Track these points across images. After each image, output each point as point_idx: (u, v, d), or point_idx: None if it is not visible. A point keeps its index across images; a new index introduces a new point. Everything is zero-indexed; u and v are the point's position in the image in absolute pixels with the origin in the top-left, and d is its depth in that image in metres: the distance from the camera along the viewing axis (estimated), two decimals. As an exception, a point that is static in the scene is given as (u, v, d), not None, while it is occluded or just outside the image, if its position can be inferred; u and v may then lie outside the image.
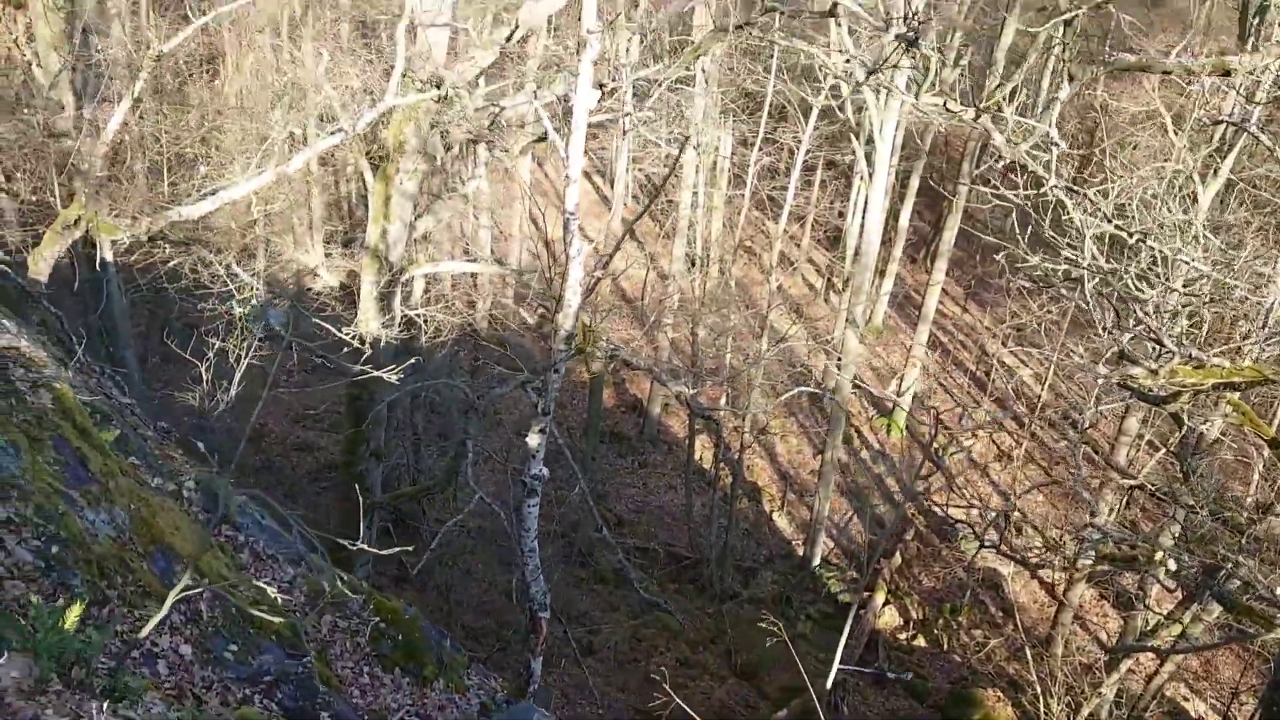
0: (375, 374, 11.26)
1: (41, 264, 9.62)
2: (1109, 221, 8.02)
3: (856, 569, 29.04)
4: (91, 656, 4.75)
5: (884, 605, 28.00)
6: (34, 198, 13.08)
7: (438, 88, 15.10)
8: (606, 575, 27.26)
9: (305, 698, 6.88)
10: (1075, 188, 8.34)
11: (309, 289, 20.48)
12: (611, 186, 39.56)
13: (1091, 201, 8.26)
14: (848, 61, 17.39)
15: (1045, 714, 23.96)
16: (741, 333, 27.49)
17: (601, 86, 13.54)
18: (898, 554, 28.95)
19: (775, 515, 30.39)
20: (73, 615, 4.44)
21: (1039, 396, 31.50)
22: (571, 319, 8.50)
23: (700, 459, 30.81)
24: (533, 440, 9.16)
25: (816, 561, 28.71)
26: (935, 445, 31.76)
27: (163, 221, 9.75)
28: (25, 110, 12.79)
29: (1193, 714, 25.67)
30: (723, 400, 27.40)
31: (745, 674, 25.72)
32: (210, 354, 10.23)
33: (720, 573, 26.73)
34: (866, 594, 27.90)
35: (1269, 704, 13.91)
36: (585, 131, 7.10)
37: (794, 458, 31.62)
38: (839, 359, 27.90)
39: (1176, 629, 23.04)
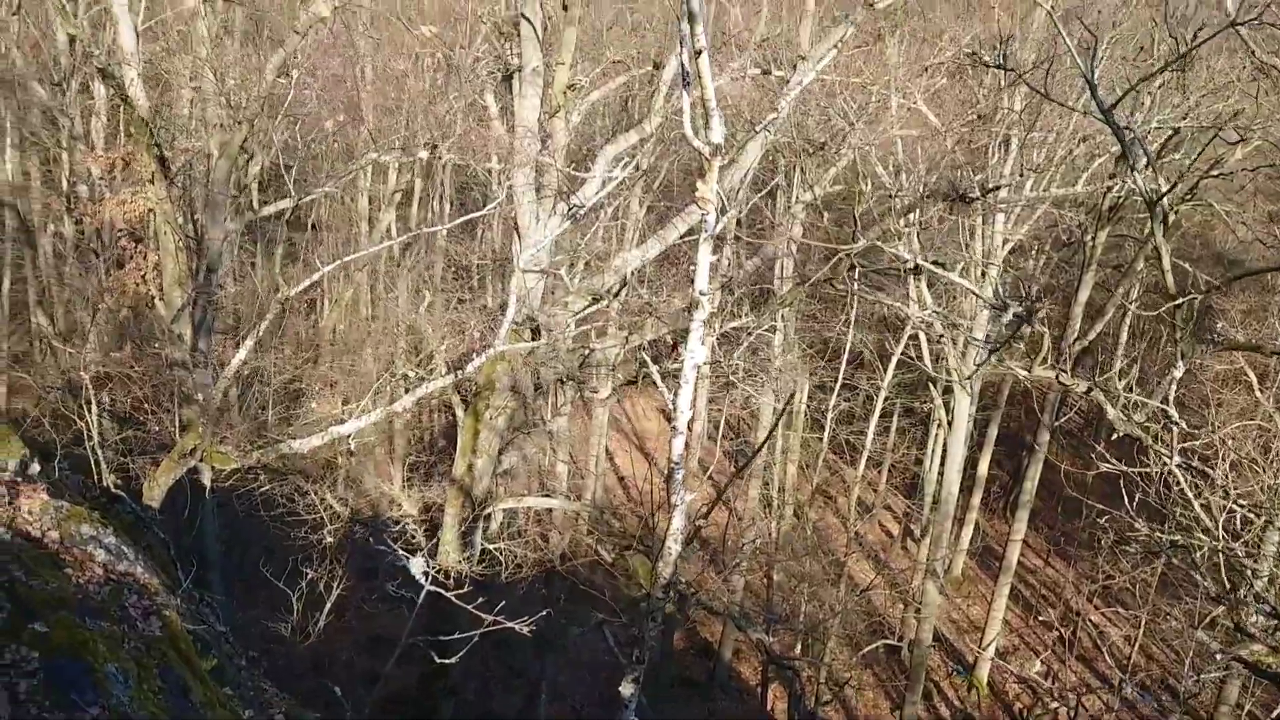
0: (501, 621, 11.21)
1: (156, 490, 9.96)
2: (1229, 499, 7.94)
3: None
4: None
5: None
6: (156, 427, 13.70)
7: (534, 332, 15.73)
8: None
9: None
10: (1194, 464, 8.33)
11: (388, 518, 20.72)
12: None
13: (1209, 478, 8.21)
14: (928, 315, 17.80)
15: None
16: (818, 579, 27.01)
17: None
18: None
19: (852, 772, 28.95)
20: None
21: (1129, 659, 30.18)
22: (671, 567, 8.52)
23: (773, 709, 29.70)
24: (626, 690, 9.00)
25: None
26: (1020, 707, 30.35)
27: (274, 454, 10.11)
28: (154, 344, 13.53)
29: None
30: (798, 648, 26.64)
31: None
32: (303, 583, 10.38)
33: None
34: None
35: None
36: (694, 385, 7.35)
37: (871, 712, 30.35)
38: (918, 610, 27.18)
39: None
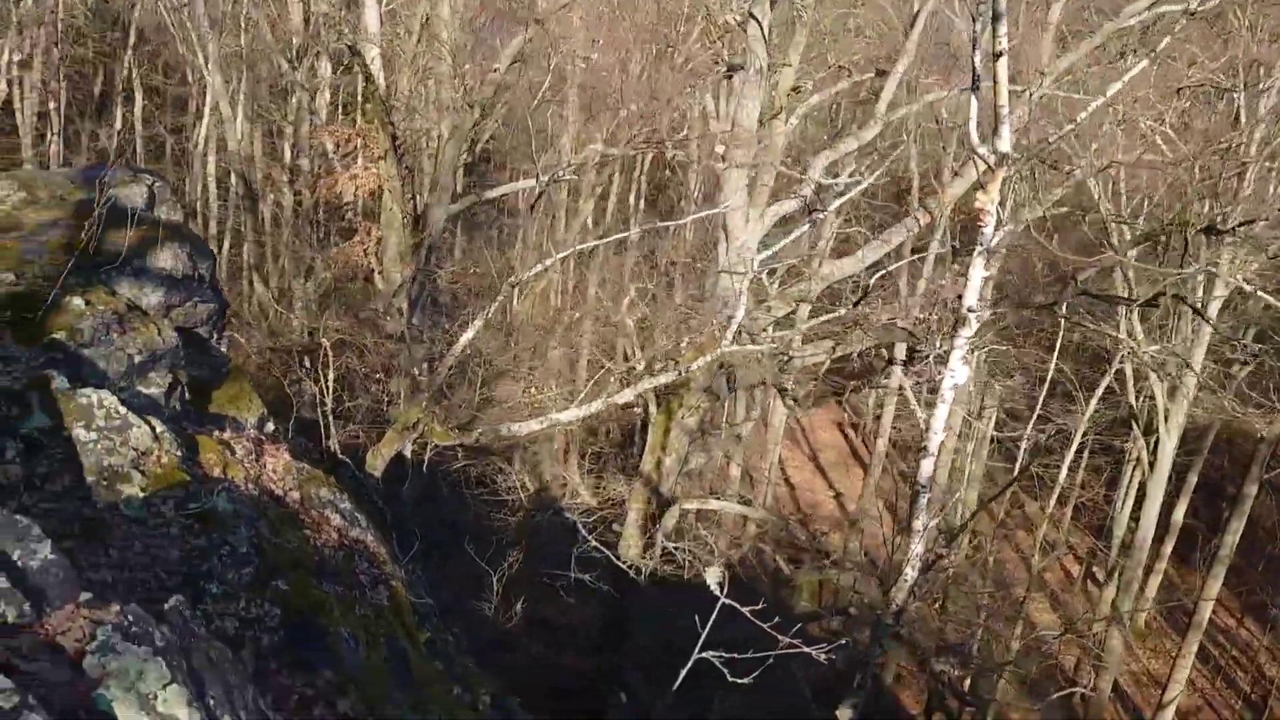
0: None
1: (379, 461, 10.18)
2: None
3: None
4: None
5: None
6: (368, 400, 14.11)
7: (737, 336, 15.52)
8: None
9: None
10: None
11: (567, 505, 20.87)
12: (863, 440, 39.23)
13: None
14: (1153, 351, 16.84)
15: None
16: (994, 613, 25.95)
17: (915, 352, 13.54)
18: None
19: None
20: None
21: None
22: (905, 593, 8.19)
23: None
24: (844, 714, 8.72)
25: None
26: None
27: (491, 435, 10.21)
28: (382, 318, 13.91)
29: None
30: (966, 684, 25.69)
31: None
32: (506, 565, 10.47)
33: None
34: None
35: None
36: (950, 405, 7.00)
37: (1035, 757, 29.09)
38: (1099, 657, 25.90)
39: None
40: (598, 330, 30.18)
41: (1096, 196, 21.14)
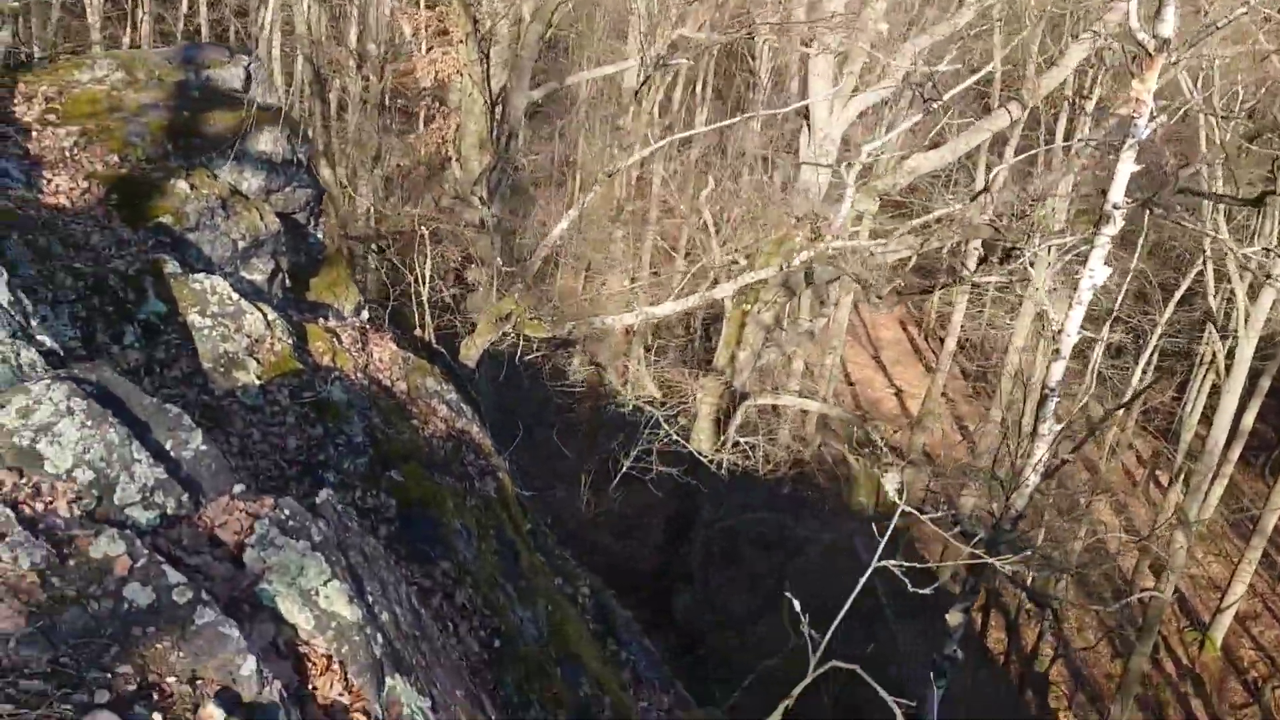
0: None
1: (474, 351, 10.09)
2: None
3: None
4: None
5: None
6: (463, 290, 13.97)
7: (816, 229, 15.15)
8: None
9: None
10: None
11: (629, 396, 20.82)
12: (925, 338, 38.84)
13: None
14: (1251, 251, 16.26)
15: None
16: (1056, 514, 25.74)
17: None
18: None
19: (1061, 714, 28.06)
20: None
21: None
22: (1025, 499, 8.03)
23: (984, 636, 28.99)
24: (954, 618, 8.66)
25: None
26: (1256, 676, 28.63)
27: (586, 328, 10.05)
28: (461, 207, 13.69)
29: None
30: (1029, 581, 25.67)
31: None
32: (594, 457, 10.43)
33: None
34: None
35: None
36: (1085, 308, 6.73)
37: (1088, 655, 29.26)
38: (1160, 561, 25.78)
39: None
40: (661, 223, 29.82)
41: (1189, 91, 20.27)
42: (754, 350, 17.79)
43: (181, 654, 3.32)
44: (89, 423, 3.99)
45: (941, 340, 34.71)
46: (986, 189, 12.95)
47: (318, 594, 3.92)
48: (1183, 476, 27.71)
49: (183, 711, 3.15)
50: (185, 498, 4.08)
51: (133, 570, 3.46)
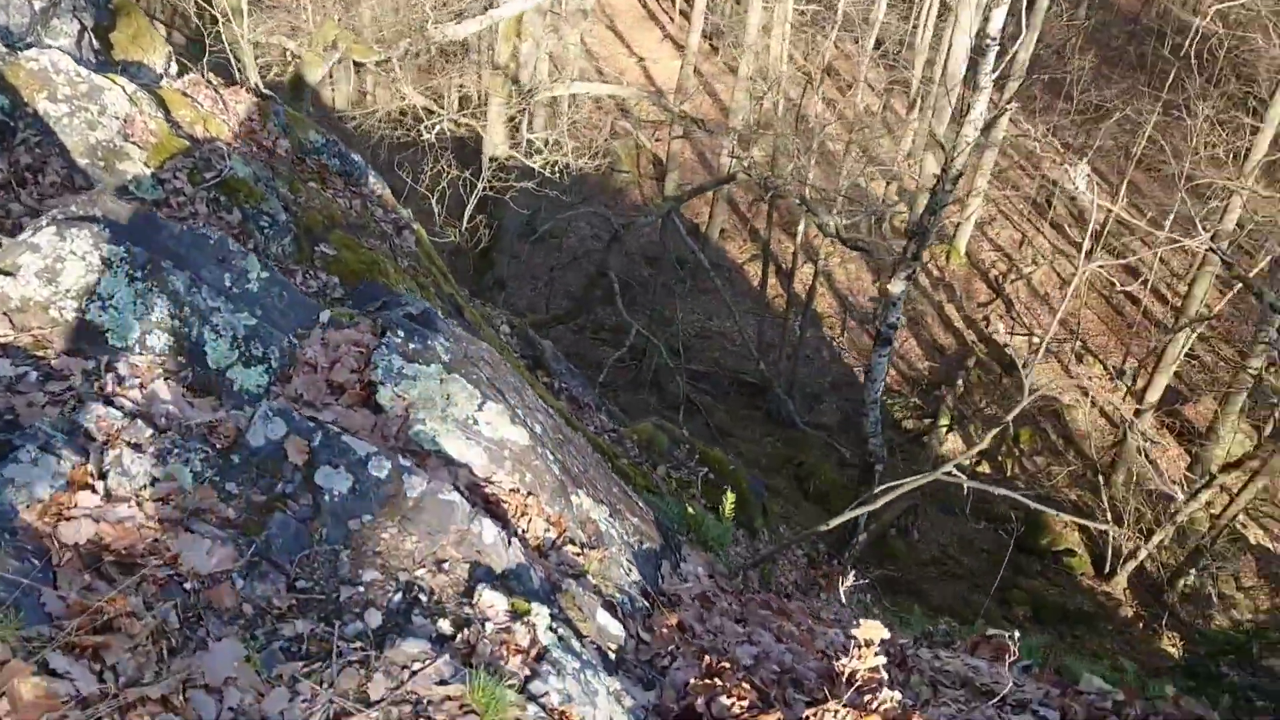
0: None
1: (311, 76, 8.74)
2: None
3: (919, 396, 29.17)
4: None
5: (947, 432, 28.18)
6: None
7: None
8: (671, 399, 27.18)
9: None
10: None
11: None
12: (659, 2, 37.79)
13: None
14: None
15: (1114, 539, 24.56)
16: (799, 156, 26.41)
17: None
18: (959, 381, 29.03)
19: (836, 342, 30.28)
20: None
21: (1100, 223, 31.20)
22: (964, 156, 7.90)
23: (759, 286, 30.43)
24: (896, 287, 8.66)
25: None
26: (996, 273, 31.58)
27: (423, 43, 8.89)
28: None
29: (1252, 540, 26.38)
30: (801, 226, 26.74)
31: (818, 499, 25.95)
32: (426, 174, 9.60)
33: (787, 400, 26.68)
34: (929, 421, 28.12)
35: None
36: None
37: (853, 284, 31.34)
38: (909, 186, 27.31)
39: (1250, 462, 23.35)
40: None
41: None
42: (536, 39, 16.70)
43: (414, 537, 2.73)
44: (138, 274, 3.06)
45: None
46: None
47: (476, 422, 3.32)
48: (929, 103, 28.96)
49: (459, 609, 2.61)
50: (285, 343, 3.28)
51: (314, 452, 2.75)
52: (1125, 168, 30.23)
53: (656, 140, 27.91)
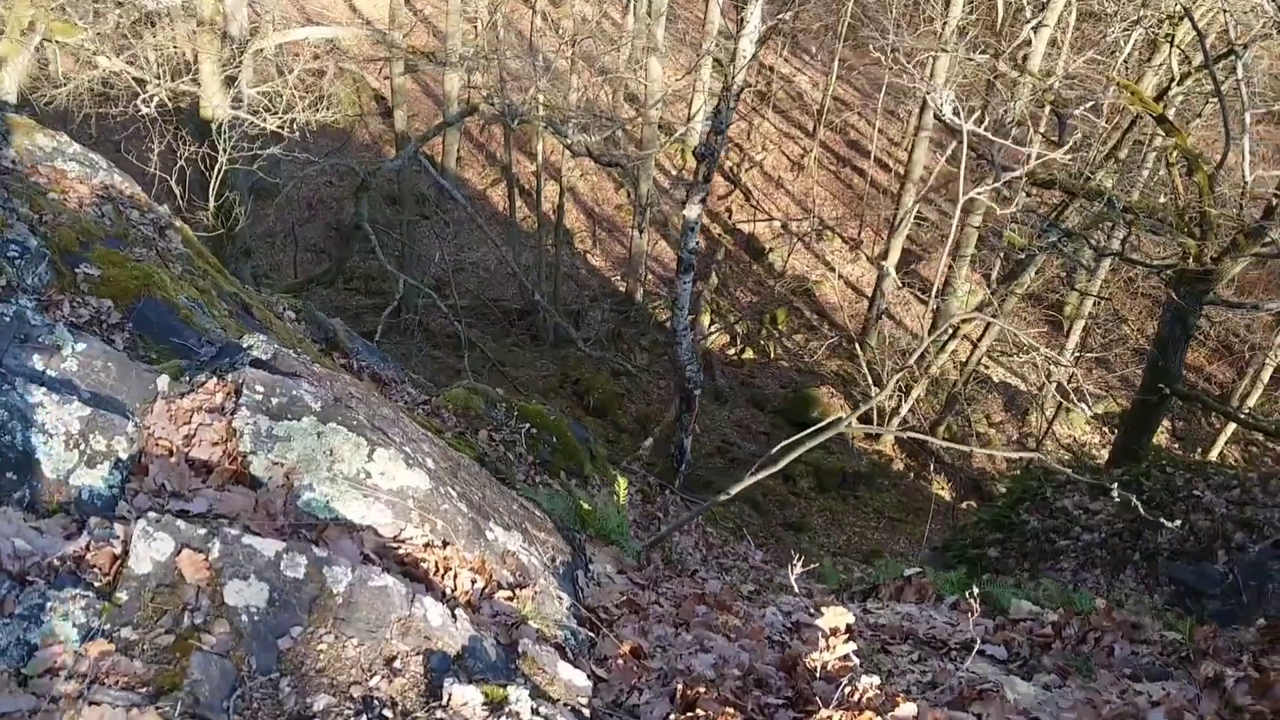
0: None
1: (11, 84, 7.59)
2: None
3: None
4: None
5: (710, 326, 28.88)
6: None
7: None
8: (441, 340, 26.60)
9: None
10: None
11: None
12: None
13: None
14: None
15: (878, 401, 25.96)
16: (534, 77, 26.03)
17: None
18: (713, 275, 29.70)
19: (590, 256, 30.28)
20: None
21: (819, 103, 32.32)
22: (744, 73, 7.67)
23: (504, 210, 29.95)
24: (691, 212, 8.40)
25: (640, 295, 29.03)
26: (729, 164, 32.23)
27: (136, 12, 7.90)
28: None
29: (995, 379, 28.50)
30: (540, 146, 26.32)
31: (598, 412, 26.17)
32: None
33: (552, 319, 26.61)
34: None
35: (1153, 363, 15.60)
36: None
37: (598, 196, 31.33)
38: (642, 87, 27.32)
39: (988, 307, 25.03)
40: None
41: None
42: (241, -18, 15.41)
43: (354, 640, 2.35)
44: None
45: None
46: None
47: (370, 475, 2.92)
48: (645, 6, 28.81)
49: (430, 715, 2.25)
50: (129, 427, 2.75)
51: (214, 566, 2.31)
52: (834, 46, 31.23)
53: (385, 78, 26.66)
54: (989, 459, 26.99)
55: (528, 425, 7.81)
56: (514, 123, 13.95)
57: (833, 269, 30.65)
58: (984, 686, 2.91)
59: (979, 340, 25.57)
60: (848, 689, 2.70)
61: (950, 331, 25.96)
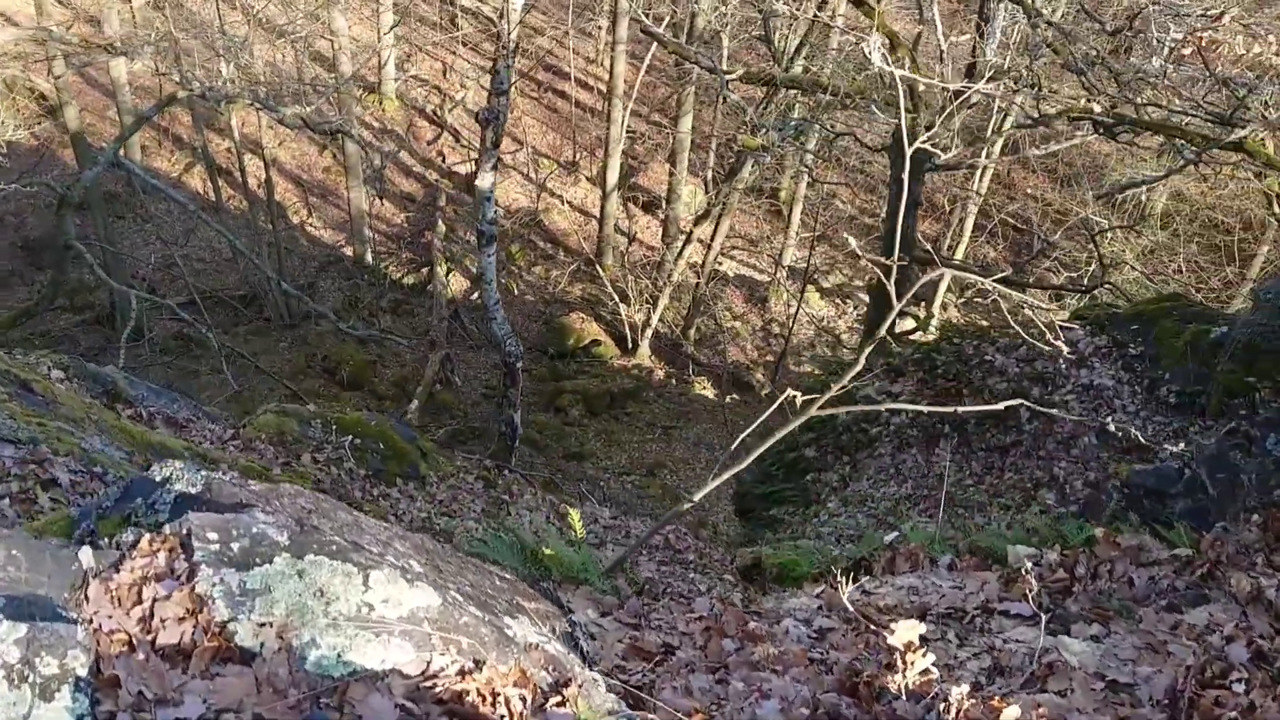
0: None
1: None
2: None
3: (408, 249, 28.77)
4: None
5: (448, 275, 28.17)
6: None
7: None
8: (170, 345, 24.70)
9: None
10: None
11: None
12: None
13: None
14: None
15: (627, 317, 26.25)
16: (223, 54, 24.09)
17: None
18: (440, 223, 28.90)
19: (309, 226, 28.74)
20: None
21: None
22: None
23: (206, 194, 27.91)
24: (484, 181, 7.73)
25: (370, 256, 27.91)
26: (431, 107, 31.18)
27: None
28: None
29: (731, 274, 29.27)
30: (235, 121, 24.46)
31: (353, 385, 25.19)
32: None
33: (283, 300, 25.18)
34: (427, 271, 27.94)
35: (889, 233, 16.31)
36: None
37: (303, 162, 29.70)
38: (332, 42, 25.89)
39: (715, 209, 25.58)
40: None
41: None
42: None
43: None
44: None
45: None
46: None
47: (374, 607, 2.47)
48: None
49: None
50: (78, 634, 2.15)
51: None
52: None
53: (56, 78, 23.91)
54: (740, 351, 27.86)
55: (350, 438, 7.21)
56: (221, 105, 12.73)
57: (557, 196, 30.41)
58: (1050, 659, 2.82)
59: (711, 239, 26.09)
60: (941, 706, 2.51)
61: (685, 237, 26.44)
